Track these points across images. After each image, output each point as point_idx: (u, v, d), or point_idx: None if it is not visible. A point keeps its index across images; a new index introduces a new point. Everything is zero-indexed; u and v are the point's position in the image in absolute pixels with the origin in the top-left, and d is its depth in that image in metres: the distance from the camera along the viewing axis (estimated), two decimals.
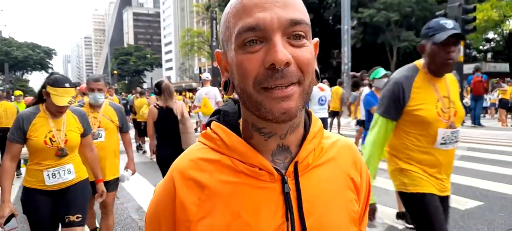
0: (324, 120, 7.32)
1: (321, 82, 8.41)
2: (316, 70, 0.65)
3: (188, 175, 0.66)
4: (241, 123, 0.69)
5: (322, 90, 7.27)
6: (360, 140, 7.75)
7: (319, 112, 7.11)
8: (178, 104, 4.25)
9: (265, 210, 0.64)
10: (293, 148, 0.67)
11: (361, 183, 0.76)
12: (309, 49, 0.61)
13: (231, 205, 0.64)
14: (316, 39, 0.69)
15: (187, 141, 4.21)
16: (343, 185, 0.72)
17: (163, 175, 4.79)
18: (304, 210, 0.65)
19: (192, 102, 13.52)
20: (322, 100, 7.26)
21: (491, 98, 13.71)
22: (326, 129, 0.84)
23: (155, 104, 4.19)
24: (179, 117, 4.17)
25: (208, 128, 0.71)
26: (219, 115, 0.72)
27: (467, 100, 12.91)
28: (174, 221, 0.66)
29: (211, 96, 7.03)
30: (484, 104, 12.95)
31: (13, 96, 11.12)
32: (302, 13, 0.61)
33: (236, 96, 0.67)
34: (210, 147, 0.68)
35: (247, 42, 0.59)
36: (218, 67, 0.71)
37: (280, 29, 0.58)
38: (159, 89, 4.18)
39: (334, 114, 10.86)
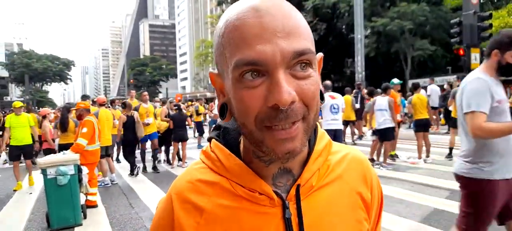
0: (338, 132, 6.80)
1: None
2: (320, 90, 0.62)
3: (186, 198, 0.64)
4: (242, 144, 0.66)
5: (334, 98, 6.90)
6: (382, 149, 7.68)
7: (332, 123, 6.68)
8: (135, 113, 8.01)
9: None
10: (296, 169, 0.64)
11: (372, 199, 0.72)
12: (314, 79, 0.56)
13: None
14: (320, 54, 0.64)
15: (138, 130, 7.93)
16: (351, 205, 0.67)
17: (124, 154, 8.27)
18: None
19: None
20: (334, 108, 6.91)
21: None
22: (341, 140, 0.79)
23: (124, 113, 7.91)
24: (136, 120, 7.94)
25: (208, 145, 0.69)
26: (220, 132, 0.68)
27: None
28: None
29: None
30: None
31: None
32: (306, 39, 0.55)
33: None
34: (209, 167, 0.66)
35: (246, 76, 0.53)
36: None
37: (283, 64, 0.52)
38: (125, 105, 8.02)
39: (346, 123, 10.77)
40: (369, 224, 0.71)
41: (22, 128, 7.39)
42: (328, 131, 5.20)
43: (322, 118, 6.85)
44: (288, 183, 0.64)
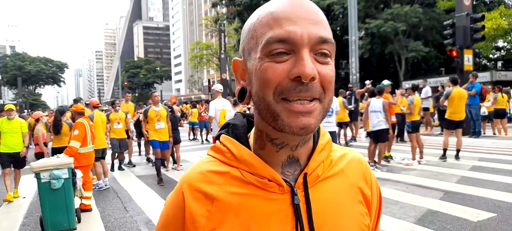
0: (332, 134, 6.87)
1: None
2: None
3: (197, 187, 0.66)
4: (252, 134, 0.70)
5: None
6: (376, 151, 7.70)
7: (326, 125, 6.69)
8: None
9: (274, 222, 0.63)
10: (303, 160, 0.68)
11: (372, 196, 0.75)
12: (332, 67, 0.62)
13: (241, 217, 0.63)
14: None
15: None
16: (353, 198, 0.71)
17: None
18: (314, 222, 0.65)
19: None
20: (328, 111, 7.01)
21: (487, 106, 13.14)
22: (336, 142, 0.83)
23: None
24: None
25: (217, 141, 0.72)
26: (228, 128, 0.72)
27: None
28: None
29: (227, 108, 7.10)
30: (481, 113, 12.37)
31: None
32: (329, 32, 0.62)
33: (250, 108, 0.67)
34: (219, 160, 0.68)
35: (274, 53, 0.59)
36: (234, 76, 0.71)
37: (309, 45, 0.59)
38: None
39: (340, 125, 10.82)
40: (370, 219, 0.74)
41: (14, 133, 6.64)
42: None
43: None
44: (295, 173, 0.67)
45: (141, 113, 8.78)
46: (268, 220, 0.63)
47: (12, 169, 6.76)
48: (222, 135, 0.71)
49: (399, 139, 10.81)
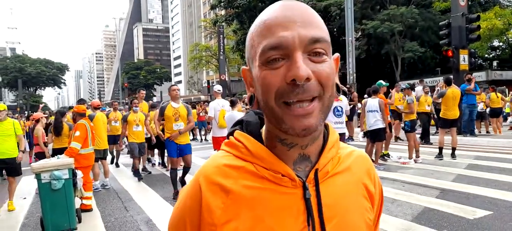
0: (342, 136, 6.68)
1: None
2: (336, 84, 0.68)
3: (213, 180, 0.68)
4: (264, 133, 0.72)
5: (337, 100, 6.63)
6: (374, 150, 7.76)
7: (335, 125, 6.47)
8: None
9: (287, 214, 0.66)
10: (313, 156, 0.70)
11: (375, 192, 0.79)
12: (328, 64, 0.64)
13: (255, 209, 0.66)
14: (337, 54, 0.72)
15: None
16: (359, 193, 0.75)
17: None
18: (324, 216, 0.67)
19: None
20: (338, 111, 6.75)
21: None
22: (343, 141, 0.86)
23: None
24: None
25: (231, 137, 0.74)
26: (242, 125, 0.75)
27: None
28: (200, 223, 0.68)
29: (226, 109, 7.16)
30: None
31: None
32: (322, 31, 0.64)
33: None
34: (234, 154, 0.71)
35: (270, 59, 0.62)
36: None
37: (301, 47, 0.61)
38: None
39: None
40: (373, 214, 0.78)
41: (5, 137, 5.76)
42: None
43: None
44: (306, 169, 0.70)
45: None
46: (280, 213, 0.66)
47: (5, 177, 5.95)
48: (237, 131, 0.73)
49: (424, 141, 10.47)
